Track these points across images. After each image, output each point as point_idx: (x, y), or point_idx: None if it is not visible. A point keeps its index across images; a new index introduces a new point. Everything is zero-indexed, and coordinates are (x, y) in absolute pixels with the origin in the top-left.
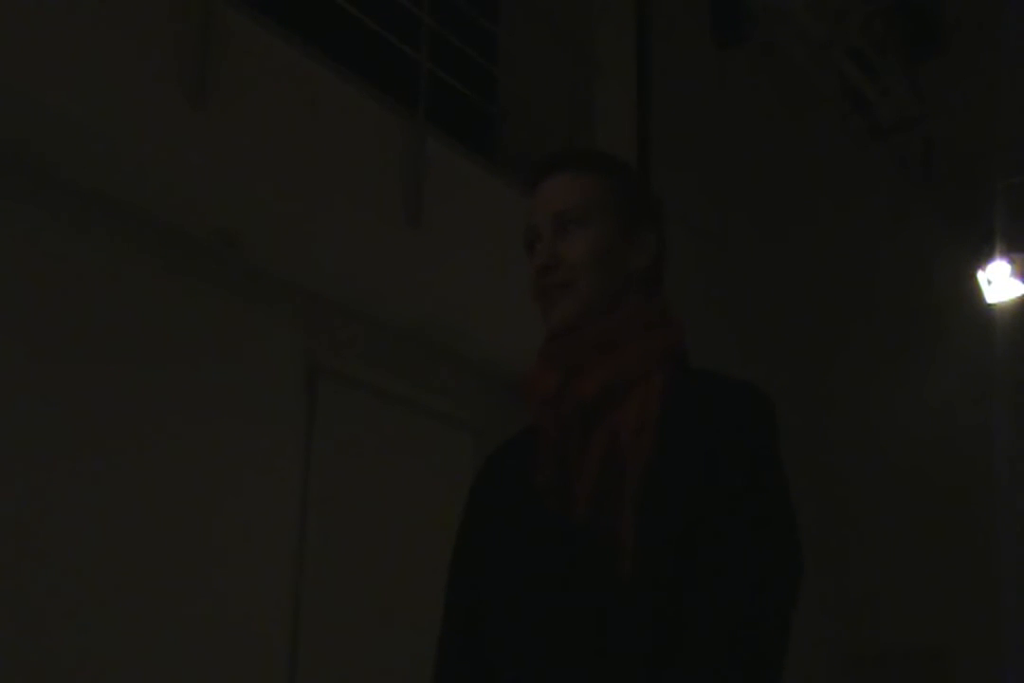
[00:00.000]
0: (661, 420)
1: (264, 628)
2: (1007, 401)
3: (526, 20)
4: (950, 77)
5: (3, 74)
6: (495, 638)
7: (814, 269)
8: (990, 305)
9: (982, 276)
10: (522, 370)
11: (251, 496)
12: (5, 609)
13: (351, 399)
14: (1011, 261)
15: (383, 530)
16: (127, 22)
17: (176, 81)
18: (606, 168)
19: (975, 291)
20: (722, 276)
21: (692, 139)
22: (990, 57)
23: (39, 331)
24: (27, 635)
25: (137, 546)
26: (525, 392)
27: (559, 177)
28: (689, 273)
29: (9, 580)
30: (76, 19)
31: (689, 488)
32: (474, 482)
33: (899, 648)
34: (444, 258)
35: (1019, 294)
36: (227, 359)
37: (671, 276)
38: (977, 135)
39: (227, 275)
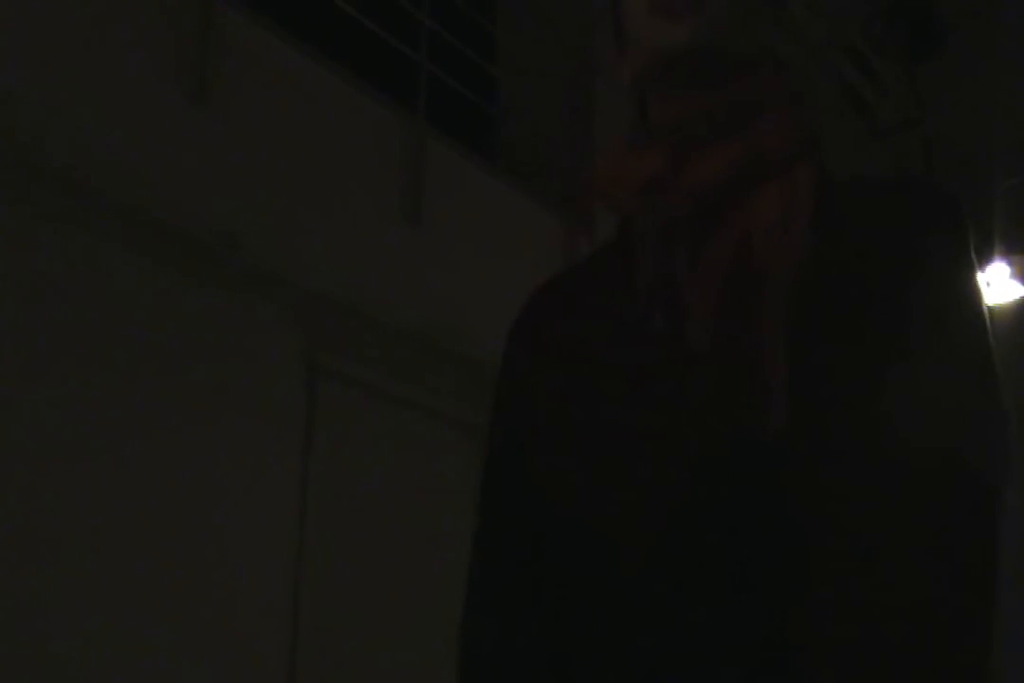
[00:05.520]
0: (812, 222)
1: (263, 627)
2: (1007, 401)
3: (526, 20)
4: (950, 77)
5: (2, 74)
6: (575, 581)
7: None
8: (989, 307)
9: (981, 277)
10: None
11: (251, 496)
12: (4, 609)
13: (351, 399)
14: (1010, 262)
15: (383, 529)
16: (126, 22)
17: (176, 81)
18: None
19: None
20: None
21: None
22: (989, 58)
23: (38, 331)
24: (26, 635)
25: (136, 545)
26: (605, 185)
27: None
28: None
29: (8, 580)
30: (75, 19)
31: (849, 317)
32: (513, 336)
33: None
34: (444, 258)
35: (1018, 296)
36: (227, 359)
37: None
38: (977, 136)
39: (227, 275)
